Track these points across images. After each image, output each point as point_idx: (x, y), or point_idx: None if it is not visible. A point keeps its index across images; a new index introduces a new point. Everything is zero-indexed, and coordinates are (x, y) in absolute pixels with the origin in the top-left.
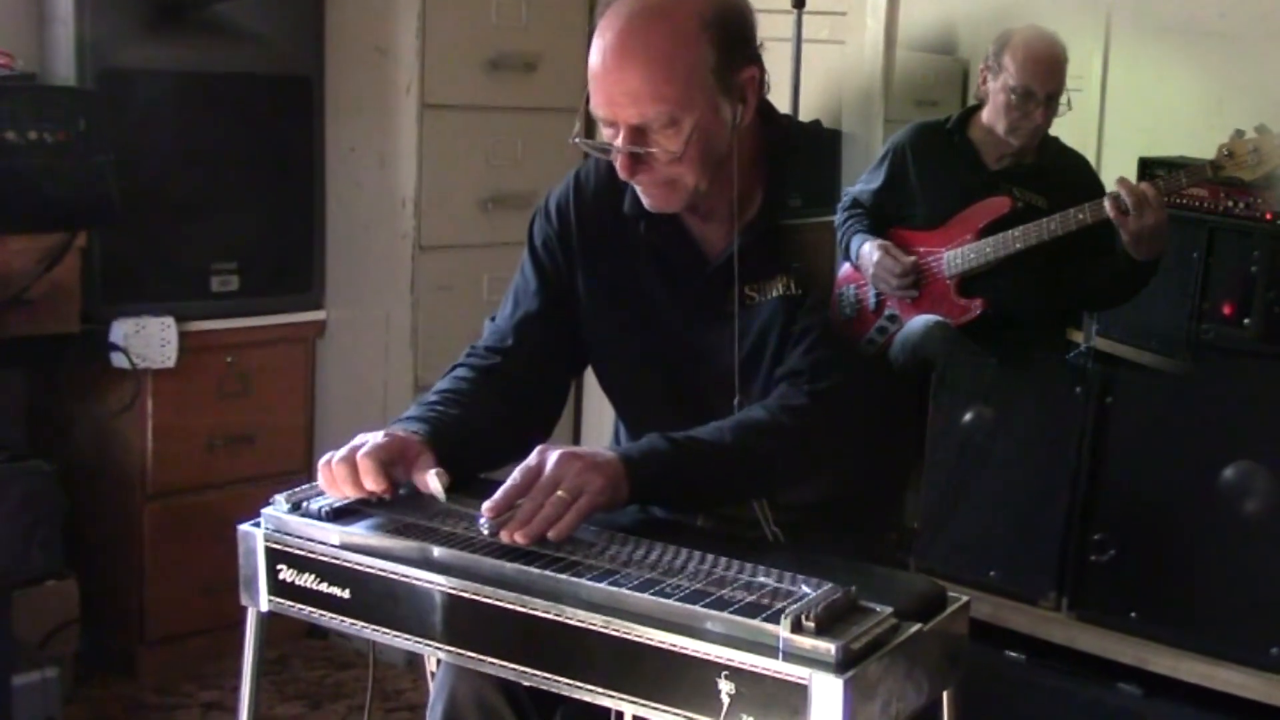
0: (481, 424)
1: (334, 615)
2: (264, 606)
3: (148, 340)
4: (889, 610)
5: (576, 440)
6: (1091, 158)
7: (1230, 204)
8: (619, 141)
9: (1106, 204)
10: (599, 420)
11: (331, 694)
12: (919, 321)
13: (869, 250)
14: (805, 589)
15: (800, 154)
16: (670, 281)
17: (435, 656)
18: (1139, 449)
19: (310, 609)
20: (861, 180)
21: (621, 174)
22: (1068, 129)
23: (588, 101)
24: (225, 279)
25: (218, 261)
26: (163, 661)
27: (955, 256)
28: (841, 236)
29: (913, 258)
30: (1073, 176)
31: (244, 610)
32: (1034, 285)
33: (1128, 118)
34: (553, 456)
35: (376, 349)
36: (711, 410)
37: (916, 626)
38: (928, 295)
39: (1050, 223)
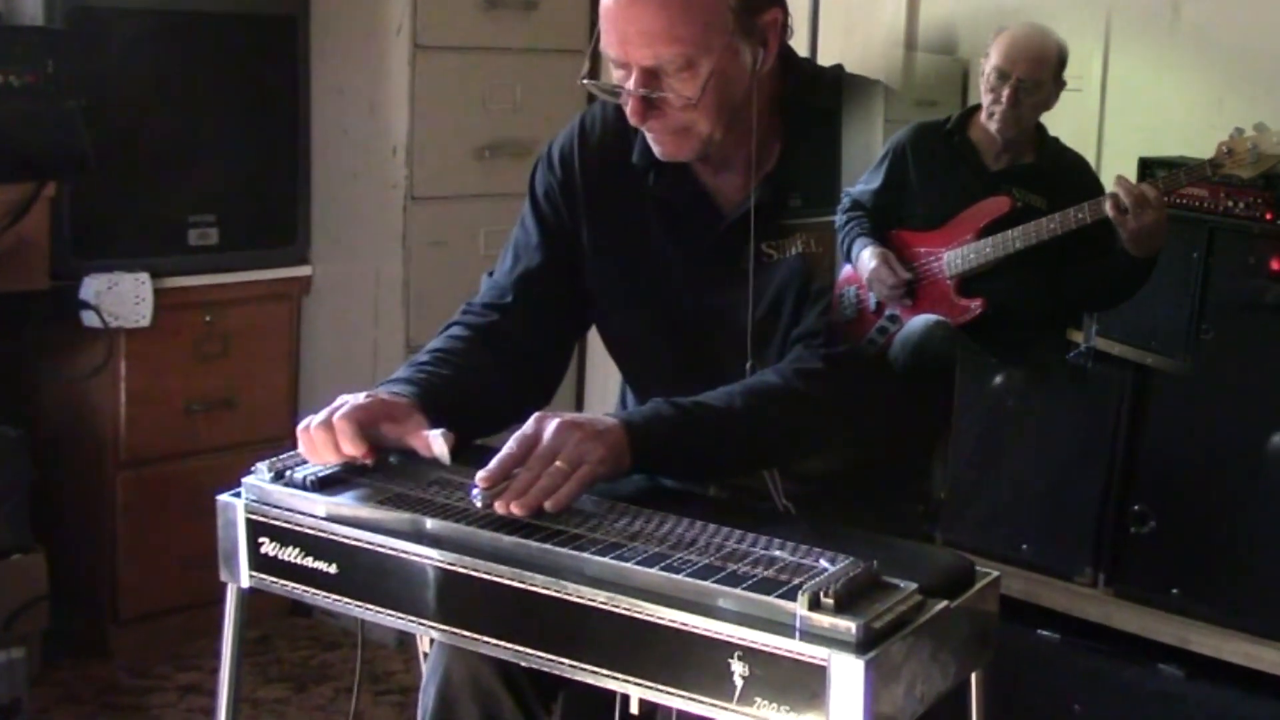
0: (476, 386)
1: (320, 592)
2: (245, 582)
3: (121, 298)
4: (913, 586)
5: (580, 407)
6: (1091, 158)
7: (1230, 204)
8: (630, 84)
9: (1106, 203)
10: (603, 386)
11: (317, 676)
12: (919, 321)
13: (867, 258)
14: (824, 564)
15: (822, 102)
16: (681, 237)
17: (428, 636)
18: (1182, 414)
19: (294, 585)
20: (861, 181)
21: (632, 119)
22: (1068, 129)
23: (597, 40)
24: (204, 232)
25: (196, 213)
26: (137, 641)
27: (955, 257)
28: (842, 239)
29: (908, 274)
30: (1072, 177)
31: (223, 586)
32: (1034, 285)
33: (1128, 118)
34: (551, 425)
35: (365, 307)
36: (723, 374)
37: (943, 604)
38: (928, 295)
39: (1050, 222)
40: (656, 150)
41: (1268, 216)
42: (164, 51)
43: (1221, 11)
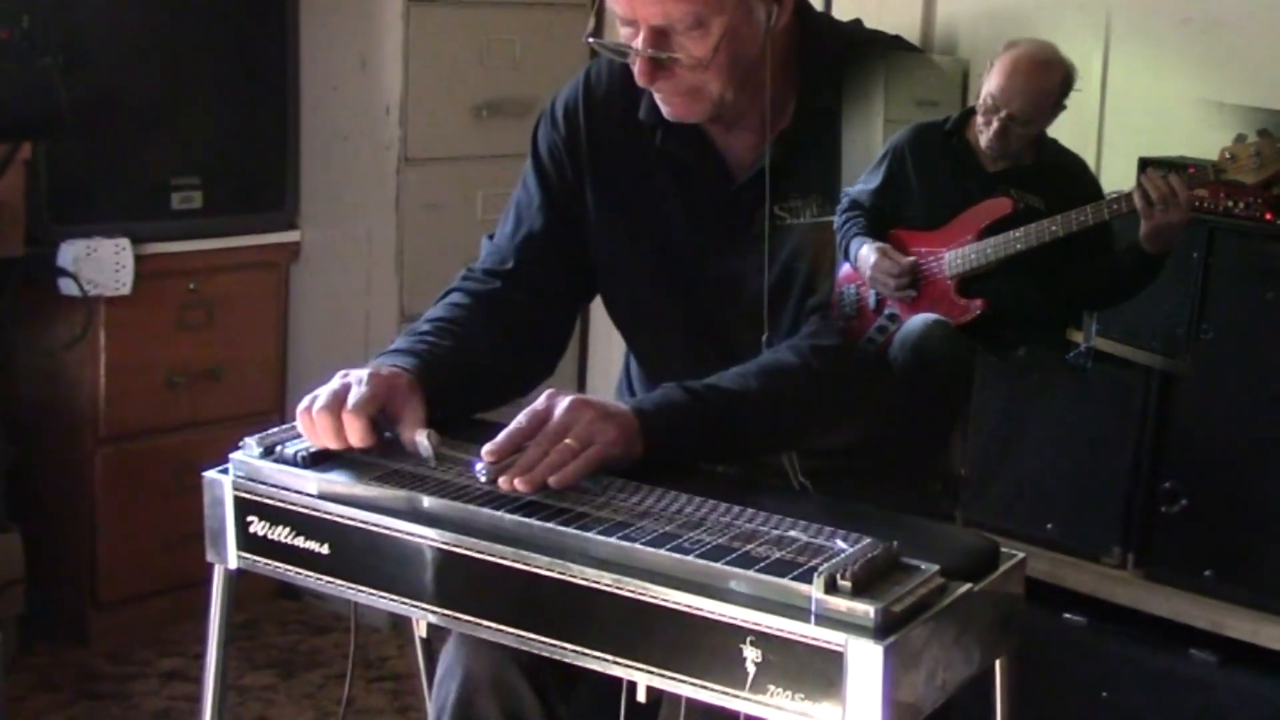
0: (478, 358)
1: (310, 573)
2: (232, 563)
3: (100, 264)
4: (935, 568)
5: (581, 387)
6: (1091, 158)
7: (1230, 204)
8: (638, 44)
9: (1135, 195)
10: (606, 357)
11: (307, 661)
12: (918, 320)
13: (867, 253)
14: (841, 544)
15: (839, 58)
16: (690, 198)
17: (424, 620)
18: (1215, 387)
19: (284, 566)
20: (860, 181)
21: (640, 80)
22: (1068, 129)
23: None
24: (187, 195)
25: (179, 176)
26: (117, 626)
27: (956, 257)
28: (841, 238)
29: (911, 258)
30: (1071, 177)
31: (209, 568)
32: (1034, 285)
33: (1128, 118)
34: (563, 402)
35: (357, 274)
36: (733, 343)
37: (966, 587)
38: (928, 295)
39: (1052, 224)
40: (666, 111)
41: (1267, 216)
42: (145, 5)
43: (1223, 10)
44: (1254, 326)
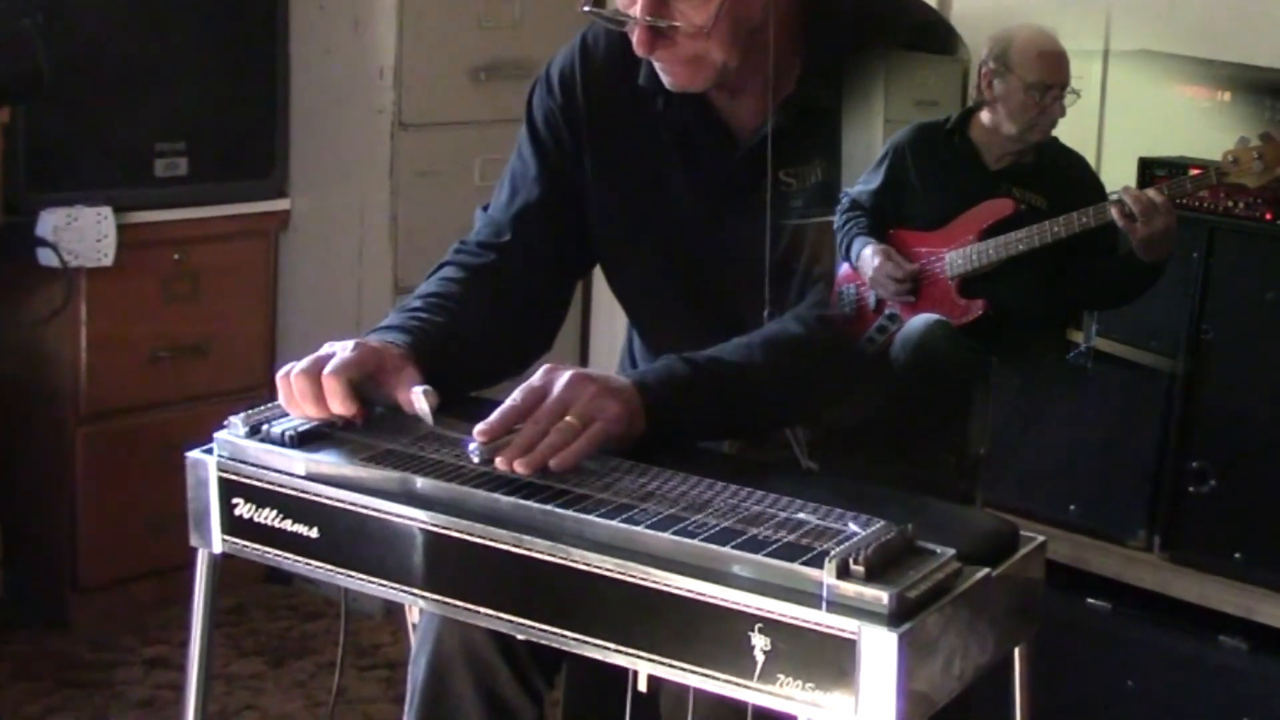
0: (473, 335)
1: (299, 557)
2: (217, 547)
3: (81, 234)
4: (951, 552)
5: (584, 353)
6: (1091, 158)
7: (1231, 204)
8: (636, 11)
9: (1114, 211)
10: (609, 330)
11: (296, 649)
12: (919, 321)
13: (869, 255)
14: (853, 527)
15: (847, 18)
16: (693, 166)
17: (417, 606)
18: (1244, 363)
19: (272, 550)
20: (860, 181)
21: (639, 50)
22: (1068, 129)
23: None
24: (172, 162)
25: (163, 141)
26: (99, 611)
27: (958, 257)
28: (841, 239)
29: (915, 264)
30: (1072, 175)
31: (193, 551)
32: (1035, 285)
33: (1128, 118)
34: (562, 377)
35: (349, 244)
36: (738, 315)
37: (984, 571)
38: (929, 295)
39: (1054, 225)
40: (666, 81)
41: (1268, 216)
42: None
43: (1223, 9)
44: (1254, 326)
